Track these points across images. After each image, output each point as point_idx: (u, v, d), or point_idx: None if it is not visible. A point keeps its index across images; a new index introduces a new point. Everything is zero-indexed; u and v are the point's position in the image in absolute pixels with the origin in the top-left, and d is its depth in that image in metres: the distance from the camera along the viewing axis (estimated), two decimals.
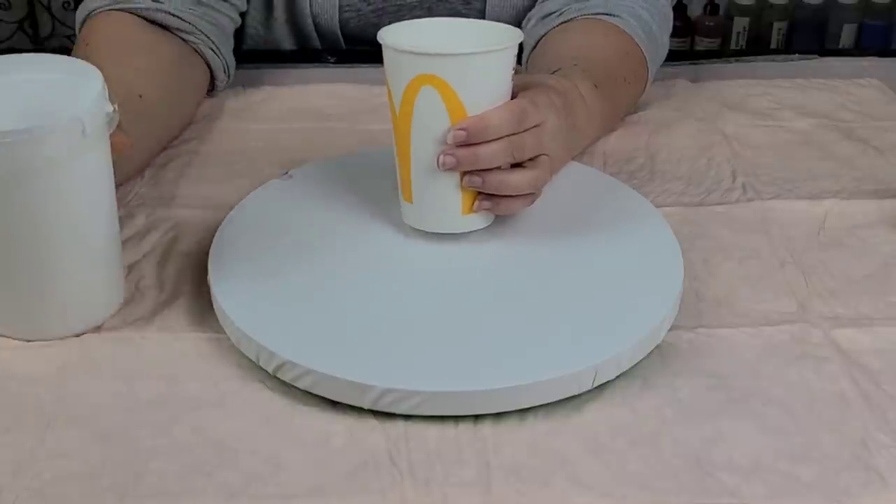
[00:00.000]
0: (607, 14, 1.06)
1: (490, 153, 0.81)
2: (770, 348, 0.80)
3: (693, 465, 0.70)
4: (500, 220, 0.87)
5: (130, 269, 0.86)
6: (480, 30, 0.87)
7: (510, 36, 0.84)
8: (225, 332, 0.79)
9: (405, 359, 0.74)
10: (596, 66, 1.00)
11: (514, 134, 0.81)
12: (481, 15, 1.19)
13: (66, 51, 1.00)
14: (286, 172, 0.93)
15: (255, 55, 1.20)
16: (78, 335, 0.79)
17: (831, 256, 0.89)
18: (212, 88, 1.10)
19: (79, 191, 0.76)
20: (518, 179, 0.83)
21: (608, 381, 0.75)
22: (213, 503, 0.67)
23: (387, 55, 0.82)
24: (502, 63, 0.81)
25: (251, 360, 0.76)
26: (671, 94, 1.14)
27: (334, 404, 0.74)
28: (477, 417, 0.73)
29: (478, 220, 0.85)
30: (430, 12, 1.20)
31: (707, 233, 0.92)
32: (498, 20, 1.11)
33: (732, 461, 0.70)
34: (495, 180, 0.82)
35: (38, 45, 2.25)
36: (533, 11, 1.13)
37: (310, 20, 1.19)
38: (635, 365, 0.76)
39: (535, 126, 0.83)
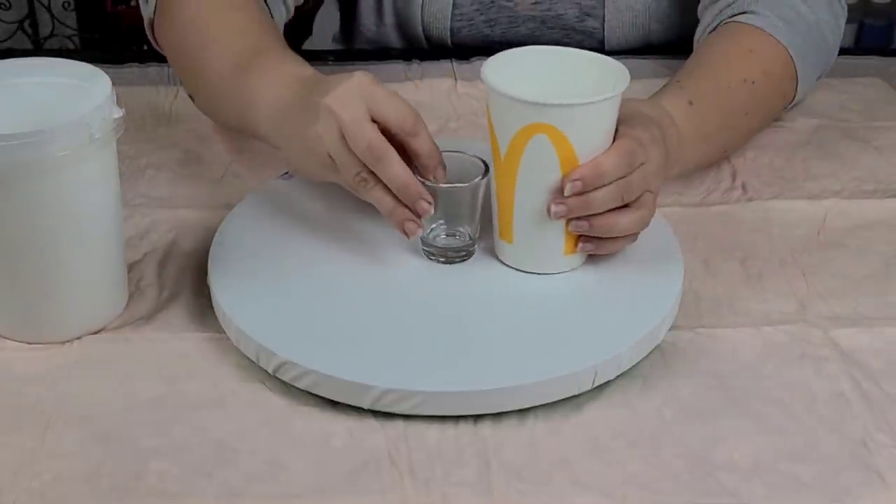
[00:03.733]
0: (767, 15, 0.99)
1: (601, 199, 0.77)
2: (770, 348, 0.80)
3: (693, 465, 0.70)
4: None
5: (130, 268, 0.85)
6: (583, 62, 0.82)
7: (615, 73, 0.79)
8: (225, 332, 0.79)
9: (405, 359, 0.74)
10: (707, 92, 0.93)
11: (622, 177, 0.78)
12: (599, 28, 1.16)
13: (66, 51, 1.00)
14: (286, 172, 0.93)
15: None
16: (79, 337, 0.79)
17: (831, 256, 0.89)
18: None
19: (85, 194, 0.76)
20: (626, 222, 0.79)
21: (608, 381, 0.75)
22: (212, 503, 0.67)
23: (495, 100, 0.78)
24: (615, 107, 0.78)
25: (251, 360, 0.76)
26: None
27: (334, 404, 0.74)
28: (477, 417, 0.73)
29: (577, 260, 0.82)
30: (543, 24, 1.17)
31: (707, 233, 0.91)
32: (619, 28, 1.13)
33: (732, 461, 0.70)
34: (604, 224, 0.79)
35: (38, 45, 2.24)
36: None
37: (420, 28, 1.19)
38: (635, 365, 0.76)
39: (640, 165, 0.79)
